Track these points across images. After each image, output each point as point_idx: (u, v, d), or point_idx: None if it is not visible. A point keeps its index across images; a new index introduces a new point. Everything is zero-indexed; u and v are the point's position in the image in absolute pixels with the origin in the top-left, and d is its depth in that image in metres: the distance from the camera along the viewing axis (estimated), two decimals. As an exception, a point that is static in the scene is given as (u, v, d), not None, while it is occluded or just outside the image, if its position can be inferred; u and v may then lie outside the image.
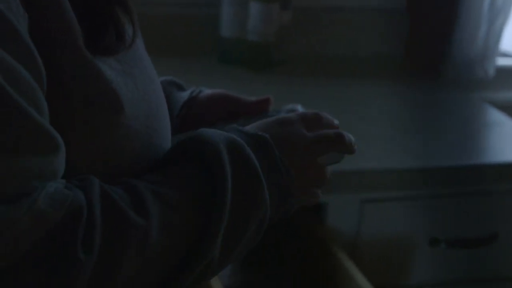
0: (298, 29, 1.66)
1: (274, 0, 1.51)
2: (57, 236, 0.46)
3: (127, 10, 0.57)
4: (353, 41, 1.75)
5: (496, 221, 1.28)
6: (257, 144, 0.59)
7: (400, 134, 1.30)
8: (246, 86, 1.25)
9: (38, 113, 0.47)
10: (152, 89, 0.60)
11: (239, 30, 1.55)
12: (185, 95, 0.82)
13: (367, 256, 1.20)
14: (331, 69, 1.66)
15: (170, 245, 0.52)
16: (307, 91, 1.45)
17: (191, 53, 1.60)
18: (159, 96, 0.62)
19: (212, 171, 0.55)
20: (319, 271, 1.17)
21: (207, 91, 0.82)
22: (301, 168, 0.62)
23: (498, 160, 1.26)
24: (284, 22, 1.57)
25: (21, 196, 0.46)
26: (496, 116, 1.47)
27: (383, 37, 1.76)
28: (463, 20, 1.65)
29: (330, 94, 1.47)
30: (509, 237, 1.29)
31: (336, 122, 0.68)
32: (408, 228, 1.23)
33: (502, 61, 1.81)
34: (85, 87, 0.51)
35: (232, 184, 0.55)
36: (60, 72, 0.50)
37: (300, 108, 0.81)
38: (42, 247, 0.46)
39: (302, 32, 1.69)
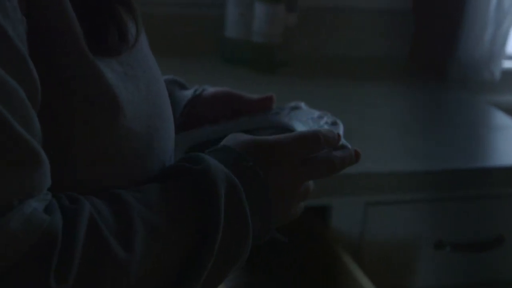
0: (303, 30, 1.65)
1: (280, 1, 1.50)
2: (29, 262, 0.45)
3: (130, 9, 0.56)
4: (358, 42, 1.74)
5: (502, 224, 1.28)
6: (250, 181, 0.59)
7: (405, 136, 1.29)
8: (250, 87, 1.24)
9: (23, 125, 0.45)
10: (156, 89, 0.60)
11: (244, 31, 1.55)
12: (188, 93, 0.81)
13: (371, 258, 1.20)
14: (336, 70, 1.66)
15: (150, 280, 0.52)
16: (312, 92, 1.45)
17: (195, 53, 1.60)
18: (163, 96, 0.62)
19: (207, 210, 0.55)
20: (323, 273, 1.17)
21: (210, 89, 0.82)
22: (287, 194, 0.63)
23: (504, 163, 1.26)
24: (290, 24, 1.57)
25: None
26: (501, 119, 1.46)
27: (388, 38, 1.76)
28: (469, 22, 1.65)
29: (334, 95, 1.46)
30: (515, 240, 1.29)
31: (339, 132, 0.68)
32: (413, 231, 1.22)
33: (508, 64, 1.80)
34: (86, 87, 0.51)
35: (222, 231, 0.55)
36: (61, 72, 0.50)
37: (303, 106, 0.80)
38: (15, 270, 0.44)
39: (307, 33, 1.68)
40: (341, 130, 0.73)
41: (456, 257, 1.25)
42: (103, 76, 0.52)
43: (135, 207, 0.52)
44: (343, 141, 0.70)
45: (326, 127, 0.74)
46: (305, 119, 0.77)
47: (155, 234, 0.52)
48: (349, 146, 0.70)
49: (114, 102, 0.52)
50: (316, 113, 0.78)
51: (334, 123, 0.75)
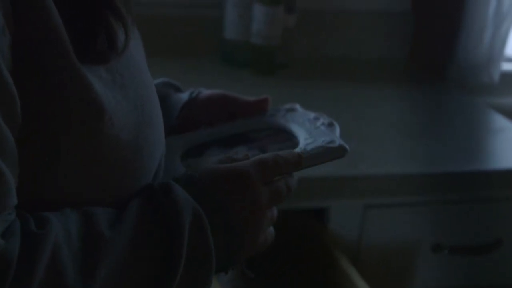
0: (302, 31, 1.65)
1: (279, 3, 1.50)
2: None
3: (119, 16, 0.56)
4: (357, 44, 1.75)
5: (500, 227, 1.28)
6: (216, 215, 0.58)
7: (404, 138, 1.30)
8: (250, 89, 1.25)
9: None
10: (146, 96, 0.59)
11: (243, 33, 1.55)
12: (184, 96, 0.81)
13: (369, 261, 1.20)
14: (335, 72, 1.66)
15: None
16: (311, 94, 1.45)
17: (194, 54, 1.60)
18: (153, 103, 0.61)
19: (171, 243, 0.54)
20: (321, 276, 1.17)
21: (206, 92, 0.81)
22: (253, 223, 0.62)
23: (502, 166, 1.26)
24: (289, 25, 1.57)
25: None
26: (500, 121, 1.46)
27: (388, 40, 1.76)
28: (469, 24, 1.65)
29: (334, 97, 1.46)
30: (513, 244, 1.29)
31: (299, 152, 0.67)
32: (411, 234, 1.22)
33: (507, 67, 1.80)
34: (73, 97, 0.50)
35: (183, 268, 0.54)
36: (48, 82, 0.49)
37: (298, 108, 0.81)
38: None
39: (306, 34, 1.68)
40: (337, 131, 0.74)
41: (454, 260, 1.25)
42: (91, 86, 0.51)
43: (105, 234, 0.51)
44: (341, 142, 0.70)
45: (322, 128, 0.74)
46: (302, 120, 0.77)
47: (119, 265, 0.51)
48: (347, 147, 0.70)
49: (101, 111, 0.52)
50: (312, 115, 0.78)
51: (330, 124, 0.75)
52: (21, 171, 0.49)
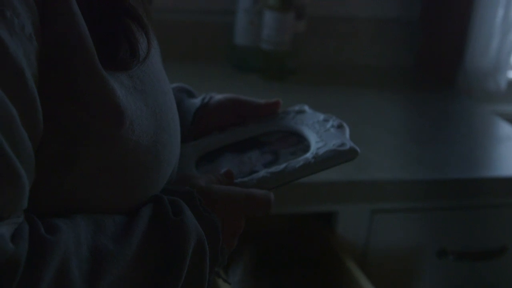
0: (312, 37, 1.67)
1: (289, 9, 1.52)
2: None
3: (141, 24, 0.57)
4: (366, 50, 1.76)
5: (505, 234, 1.28)
6: (210, 232, 0.61)
7: (411, 145, 1.30)
8: (260, 94, 1.26)
9: (8, 144, 0.45)
10: (164, 103, 0.61)
11: (253, 39, 1.56)
12: (197, 101, 0.82)
13: (376, 265, 1.21)
14: (344, 78, 1.67)
15: None
16: (320, 100, 1.46)
17: (205, 60, 1.61)
18: (171, 109, 0.63)
19: (172, 262, 0.56)
20: (328, 280, 1.18)
21: (218, 96, 0.83)
22: (231, 245, 0.66)
23: (508, 173, 1.26)
24: (298, 31, 1.58)
25: None
26: (507, 129, 1.47)
27: (396, 47, 1.77)
28: (476, 32, 1.66)
29: (342, 103, 1.48)
30: (518, 250, 1.29)
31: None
32: (417, 239, 1.23)
33: (514, 75, 1.81)
34: (97, 103, 0.52)
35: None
36: (74, 88, 0.50)
37: (307, 109, 0.82)
38: None
39: (316, 41, 1.70)
40: (347, 132, 0.75)
41: (459, 266, 1.26)
42: (114, 91, 0.53)
43: (112, 246, 0.53)
44: (352, 144, 0.72)
45: (332, 130, 0.76)
46: (311, 122, 0.78)
47: (123, 279, 0.52)
48: (358, 149, 0.71)
49: (123, 116, 0.53)
50: (321, 116, 0.79)
51: (340, 126, 0.76)
52: (40, 173, 0.50)
